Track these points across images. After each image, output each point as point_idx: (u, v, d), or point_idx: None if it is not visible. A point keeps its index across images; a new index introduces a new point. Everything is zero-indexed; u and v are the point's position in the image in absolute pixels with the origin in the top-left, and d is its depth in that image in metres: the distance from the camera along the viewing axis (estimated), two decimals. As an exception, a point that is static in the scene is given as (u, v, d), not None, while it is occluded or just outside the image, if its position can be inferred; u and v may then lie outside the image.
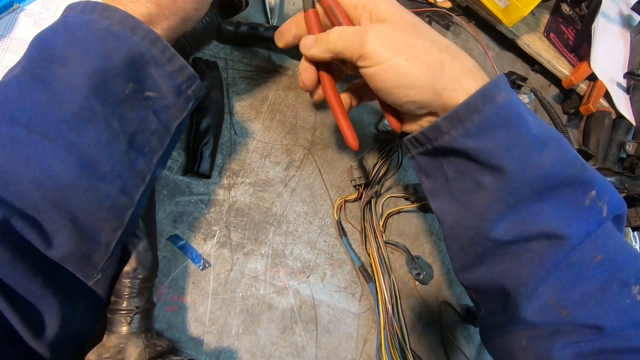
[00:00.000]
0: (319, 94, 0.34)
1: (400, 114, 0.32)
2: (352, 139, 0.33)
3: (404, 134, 0.32)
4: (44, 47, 0.24)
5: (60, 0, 0.35)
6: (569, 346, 0.26)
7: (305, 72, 0.32)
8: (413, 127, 0.31)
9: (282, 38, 0.33)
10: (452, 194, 0.29)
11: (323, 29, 0.31)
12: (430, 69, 0.26)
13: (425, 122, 0.30)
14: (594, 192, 0.26)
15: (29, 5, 0.34)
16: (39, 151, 0.22)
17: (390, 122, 0.33)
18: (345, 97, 0.35)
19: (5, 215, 0.21)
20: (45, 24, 0.34)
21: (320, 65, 0.32)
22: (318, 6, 0.31)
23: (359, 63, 0.28)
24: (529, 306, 0.27)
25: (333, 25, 0.31)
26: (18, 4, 0.34)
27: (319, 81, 0.33)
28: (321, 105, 0.45)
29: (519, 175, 0.25)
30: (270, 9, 0.43)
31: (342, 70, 0.35)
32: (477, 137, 0.25)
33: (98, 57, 0.24)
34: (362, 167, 0.44)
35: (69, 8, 0.26)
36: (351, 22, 0.30)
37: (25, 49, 0.25)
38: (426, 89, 0.26)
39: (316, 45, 0.30)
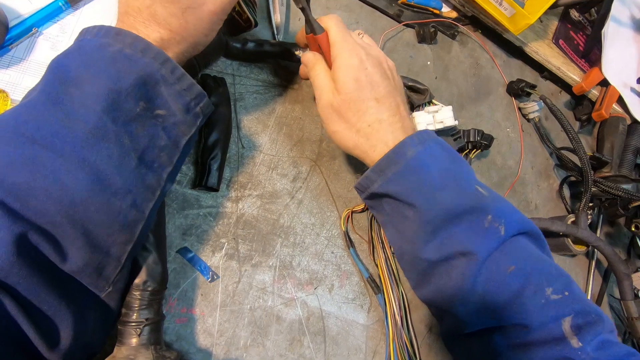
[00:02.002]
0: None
1: None
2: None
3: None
4: (60, 70, 0.25)
5: (76, 23, 0.37)
6: (505, 340, 0.32)
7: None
8: None
9: (300, 41, 0.41)
10: (393, 225, 0.37)
11: None
12: (347, 144, 0.36)
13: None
14: (490, 217, 0.33)
15: (47, 29, 0.36)
16: (55, 169, 0.23)
17: None
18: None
19: (24, 230, 0.22)
20: (62, 46, 0.36)
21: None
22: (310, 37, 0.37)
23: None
24: (464, 312, 0.33)
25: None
26: (37, 29, 0.36)
27: None
28: (327, 118, 0.46)
29: (428, 209, 0.33)
30: (276, 25, 0.44)
31: None
32: (395, 182, 0.34)
33: (111, 78, 0.25)
34: (368, 177, 0.44)
35: (84, 32, 0.28)
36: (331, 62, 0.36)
37: (44, 72, 0.26)
38: (345, 150, 0.37)
39: (307, 67, 0.38)
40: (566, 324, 0.30)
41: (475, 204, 0.33)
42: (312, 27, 0.35)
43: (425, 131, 0.36)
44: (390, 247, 0.44)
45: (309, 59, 0.37)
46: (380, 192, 0.35)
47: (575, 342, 0.29)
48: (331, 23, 0.35)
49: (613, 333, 0.32)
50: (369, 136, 0.35)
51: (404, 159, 0.33)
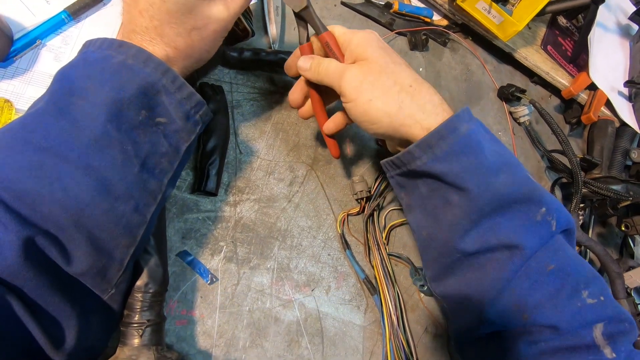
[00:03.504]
0: (305, 110, 0.39)
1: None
2: (333, 149, 0.40)
3: (384, 155, 0.37)
4: (65, 81, 0.26)
5: (78, 35, 0.38)
6: (532, 345, 0.30)
7: (294, 93, 0.38)
8: (395, 151, 0.37)
9: (291, 70, 0.38)
10: (426, 209, 0.34)
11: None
12: (389, 107, 0.31)
13: (400, 150, 0.35)
14: (544, 209, 0.30)
15: (50, 41, 0.37)
16: (61, 175, 0.24)
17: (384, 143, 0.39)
18: (340, 116, 0.38)
19: (31, 234, 0.23)
20: (64, 57, 0.37)
21: (313, 85, 0.37)
22: (313, 39, 0.36)
23: (341, 97, 0.34)
24: (493, 310, 0.30)
25: (328, 56, 0.35)
26: (40, 40, 0.37)
27: (307, 98, 0.39)
28: (323, 123, 0.47)
29: (480, 195, 0.30)
30: (272, 35, 0.46)
31: (331, 96, 0.39)
32: (444, 161, 0.30)
33: (114, 88, 0.26)
34: (363, 181, 0.46)
35: (88, 44, 0.29)
36: (343, 56, 0.34)
37: (50, 82, 0.27)
38: (385, 124, 0.32)
39: (310, 70, 0.35)
40: (597, 331, 0.28)
41: (530, 193, 0.30)
42: (317, 26, 0.34)
43: (467, 109, 0.32)
44: (389, 255, 0.45)
45: (307, 59, 0.35)
46: (423, 170, 0.31)
47: (609, 352, 0.28)
48: (334, 26, 0.35)
49: None
50: (413, 95, 0.31)
51: (457, 135, 0.30)
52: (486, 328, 0.32)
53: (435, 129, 0.30)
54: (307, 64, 0.35)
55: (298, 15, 0.35)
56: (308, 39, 0.36)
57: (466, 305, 0.33)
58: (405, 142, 0.33)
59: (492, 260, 0.30)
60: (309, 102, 0.39)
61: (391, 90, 0.31)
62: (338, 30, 0.34)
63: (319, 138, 0.46)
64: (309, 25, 0.35)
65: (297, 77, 0.38)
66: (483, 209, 0.30)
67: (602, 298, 0.30)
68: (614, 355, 0.28)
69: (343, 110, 0.38)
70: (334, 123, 0.38)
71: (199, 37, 0.30)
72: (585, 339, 0.28)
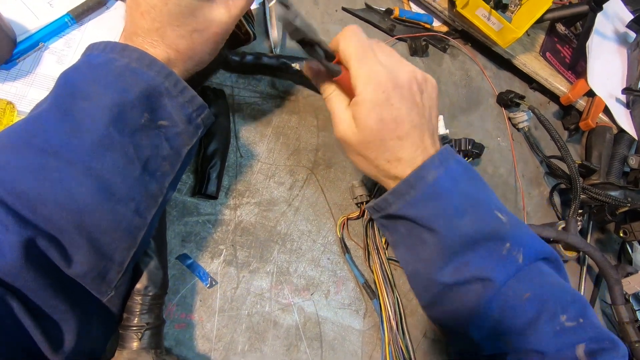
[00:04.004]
0: None
1: None
2: None
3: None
4: (69, 84, 0.27)
5: (81, 38, 0.39)
6: None
7: None
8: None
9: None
10: (407, 247, 0.37)
11: None
12: (369, 164, 0.35)
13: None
14: (508, 245, 0.33)
15: (53, 43, 0.38)
16: (63, 177, 0.24)
17: None
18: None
19: (32, 235, 0.23)
20: (67, 60, 0.38)
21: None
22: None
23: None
24: (479, 337, 0.33)
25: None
26: (43, 43, 0.37)
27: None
28: (323, 128, 0.47)
29: (447, 235, 0.33)
30: (273, 39, 0.46)
31: None
32: (414, 207, 0.34)
33: (117, 91, 0.26)
34: (363, 185, 0.46)
35: (91, 47, 0.29)
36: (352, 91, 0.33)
37: (52, 85, 0.27)
38: (372, 175, 0.36)
39: (323, 95, 0.37)
40: (580, 350, 0.30)
41: (493, 231, 0.33)
42: (329, 70, 0.33)
43: (447, 148, 0.34)
44: (388, 259, 0.45)
45: (325, 88, 0.35)
46: (398, 214, 0.35)
47: None
48: (350, 46, 0.32)
49: (625, 359, 0.32)
50: (387, 171, 0.34)
51: (424, 184, 0.33)
52: (480, 351, 0.35)
53: (405, 178, 0.33)
54: (329, 91, 0.36)
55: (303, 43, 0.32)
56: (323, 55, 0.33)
57: (456, 331, 0.36)
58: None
59: (470, 291, 0.33)
60: None
61: (369, 164, 0.35)
62: (353, 67, 0.32)
63: (320, 142, 0.47)
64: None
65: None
66: (453, 247, 0.33)
67: (581, 320, 0.32)
68: None
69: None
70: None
71: (200, 39, 0.30)
72: (568, 358, 0.31)
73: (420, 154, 0.33)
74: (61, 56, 0.38)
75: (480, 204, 0.34)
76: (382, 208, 0.36)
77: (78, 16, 0.38)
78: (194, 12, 0.29)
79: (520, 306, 0.32)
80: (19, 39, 0.36)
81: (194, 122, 0.30)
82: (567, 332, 0.31)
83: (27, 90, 0.36)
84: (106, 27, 0.40)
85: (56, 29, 0.38)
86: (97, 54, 0.28)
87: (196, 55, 0.31)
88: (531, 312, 0.32)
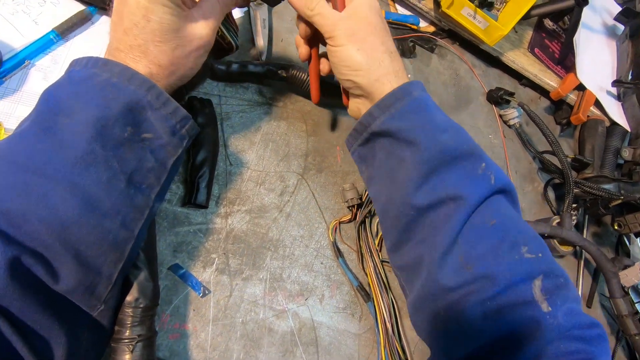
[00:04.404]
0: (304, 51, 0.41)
1: (348, 95, 0.40)
2: (315, 94, 0.42)
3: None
4: (51, 101, 0.27)
5: (67, 54, 0.39)
6: (477, 305, 0.30)
7: (300, 47, 0.40)
8: (353, 111, 0.40)
9: (300, 46, 0.40)
10: (384, 175, 0.36)
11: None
12: (372, 61, 0.35)
13: (359, 110, 0.38)
14: (484, 165, 0.33)
15: (39, 60, 0.38)
16: (47, 194, 0.24)
17: (343, 99, 0.41)
18: (322, 62, 0.41)
19: (16, 253, 0.23)
20: (53, 76, 0.38)
21: (310, 41, 0.39)
22: None
23: (327, 41, 0.36)
24: (444, 266, 0.32)
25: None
26: (29, 61, 0.37)
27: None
28: (312, 133, 0.48)
29: (428, 148, 0.33)
30: (259, 47, 0.46)
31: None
32: (399, 119, 0.34)
33: (99, 106, 0.27)
34: (354, 188, 0.46)
35: (74, 63, 0.29)
36: (344, 6, 0.36)
37: (36, 103, 0.28)
38: (364, 74, 0.35)
39: (305, 6, 0.36)
40: (536, 288, 0.30)
41: (471, 150, 0.34)
42: None
43: (420, 82, 0.36)
44: (382, 261, 0.45)
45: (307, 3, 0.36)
46: (381, 129, 0.35)
47: (545, 307, 0.29)
48: None
49: (578, 302, 0.32)
50: (393, 59, 0.35)
51: (410, 98, 0.34)
52: (438, 292, 0.33)
53: (392, 91, 0.34)
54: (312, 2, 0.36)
55: None
56: None
57: (419, 270, 0.34)
58: (367, 102, 0.37)
59: (441, 215, 0.33)
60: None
61: (378, 48, 0.35)
62: None
63: (309, 147, 0.47)
64: None
65: (305, 60, 0.40)
66: (431, 162, 0.33)
67: (540, 255, 0.32)
68: (550, 309, 0.29)
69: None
70: (323, 65, 0.41)
71: (182, 54, 0.30)
72: (524, 294, 0.30)
73: (403, 72, 0.36)
74: (47, 73, 0.38)
75: (459, 128, 0.35)
76: (365, 125, 0.36)
77: (63, 32, 0.39)
78: (176, 29, 0.29)
79: (485, 232, 0.32)
80: (4, 58, 0.36)
81: (178, 134, 0.31)
82: (525, 262, 0.31)
83: (15, 108, 0.36)
84: (92, 43, 0.40)
85: (42, 46, 0.38)
86: (78, 69, 0.28)
87: (179, 70, 0.31)
88: (495, 238, 0.31)
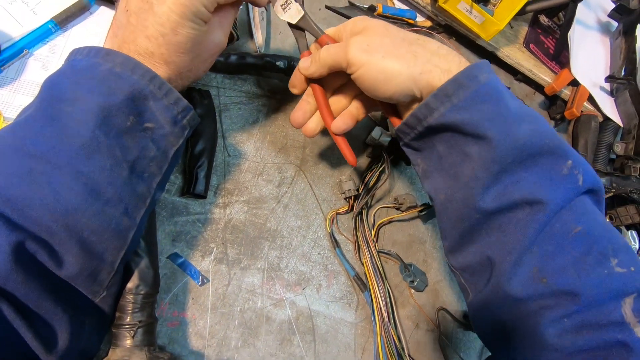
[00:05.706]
0: (310, 127, 0.39)
1: (397, 111, 0.36)
2: (348, 155, 0.39)
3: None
4: (54, 89, 0.27)
5: (65, 44, 0.39)
6: (553, 323, 0.27)
7: (296, 87, 0.38)
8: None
9: (295, 83, 0.38)
10: (444, 170, 0.32)
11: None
12: (404, 59, 0.30)
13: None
14: (570, 162, 0.28)
15: (37, 50, 0.38)
16: (51, 180, 0.25)
17: (392, 122, 0.36)
18: (353, 109, 0.39)
19: (20, 239, 0.23)
20: (52, 66, 0.38)
21: (316, 82, 0.37)
22: (312, 46, 0.37)
23: (348, 70, 0.33)
24: (514, 277, 0.28)
25: None
26: (27, 50, 0.37)
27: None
28: (310, 125, 0.48)
29: (501, 144, 0.28)
30: (257, 39, 0.46)
31: (334, 82, 0.39)
32: (464, 110, 0.28)
33: (102, 95, 0.27)
34: (351, 180, 0.46)
35: (75, 52, 0.29)
36: None
37: (38, 91, 0.28)
38: (405, 77, 0.30)
39: (312, 64, 0.35)
40: (627, 307, 0.25)
41: (555, 144, 0.28)
42: (316, 30, 0.35)
43: (486, 61, 0.31)
44: (378, 252, 0.45)
45: (305, 59, 0.35)
46: (441, 123, 0.29)
47: (639, 331, 0.25)
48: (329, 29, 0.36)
49: None
50: (424, 44, 0.31)
51: (476, 83, 0.28)
52: (505, 300, 0.29)
53: (452, 77, 0.28)
54: (307, 62, 0.35)
55: (295, 26, 0.36)
56: (307, 47, 0.37)
57: (485, 274, 0.30)
58: (420, 99, 0.32)
59: (513, 220, 0.28)
60: (312, 118, 0.39)
61: (401, 44, 0.30)
62: (332, 29, 0.36)
63: (307, 139, 0.47)
64: (306, 32, 0.36)
65: (300, 94, 0.39)
66: (504, 160, 0.28)
67: (632, 269, 0.27)
68: None
69: (355, 99, 0.39)
70: (342, 120, 0.38)
71: (200, 60, 0.32)
72: (612, 315, 0.25)
73: (447, 47, 0.31)
74: (46, 62, 0.38)
75: (538, 116, 0.29)
76: (420, 119, 0.31)
77: (62, 22, 0.39)
78: (199, 42, 0.30)
79: (567, 241, 0.27)
80: (3, 47, 0.36)
81: (180, 124, 0.31)
82: (615, 278, 0.26)
83: (13, 97, 0.36)
84: (90, 33, 0.40)
85: (40, 36, 0.38)
86: (80, 58, 0.28)
87: (194, 74, 0.32)
88: (578, 250, 0.27)
